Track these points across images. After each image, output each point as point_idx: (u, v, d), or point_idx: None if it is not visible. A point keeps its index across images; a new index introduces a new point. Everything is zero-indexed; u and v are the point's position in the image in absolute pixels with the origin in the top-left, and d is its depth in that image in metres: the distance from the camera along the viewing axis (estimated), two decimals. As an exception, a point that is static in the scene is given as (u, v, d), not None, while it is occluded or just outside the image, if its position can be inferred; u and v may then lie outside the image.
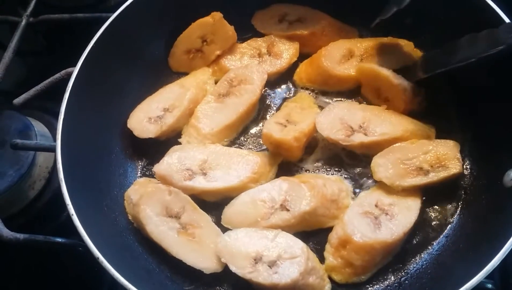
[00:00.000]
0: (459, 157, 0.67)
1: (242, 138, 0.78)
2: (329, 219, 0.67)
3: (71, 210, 0.60)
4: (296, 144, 0.70)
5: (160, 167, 0.71)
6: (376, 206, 0.66)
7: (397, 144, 0.69)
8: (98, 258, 0.57)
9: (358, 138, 0.70)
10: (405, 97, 0.72)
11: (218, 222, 0.69)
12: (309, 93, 0.80)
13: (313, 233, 0.68)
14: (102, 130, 0.75)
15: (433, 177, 0.66)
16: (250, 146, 0.77)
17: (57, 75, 0.80)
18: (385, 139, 0.70)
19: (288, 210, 0.66)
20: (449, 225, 0.67)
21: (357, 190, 0.71)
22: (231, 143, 0.77)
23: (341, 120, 0.71)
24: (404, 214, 0.64)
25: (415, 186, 0.66)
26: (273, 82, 0.81)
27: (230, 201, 0.70)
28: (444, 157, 0.67)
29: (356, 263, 0.62)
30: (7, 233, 0.70)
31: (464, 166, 0.70)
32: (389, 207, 0.65)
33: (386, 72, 0.73)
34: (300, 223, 0.66)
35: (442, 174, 0.66)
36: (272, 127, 0.71)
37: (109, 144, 0.76)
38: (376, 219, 0.64)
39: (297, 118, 0.73)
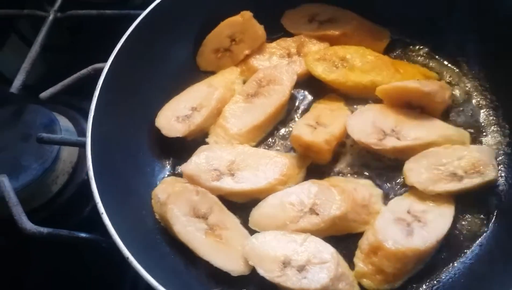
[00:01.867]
0: (494, 164, 0.66)
1: (270, 139, 0.77)
2: (360, 224, 0.66)
3: (101, 209, 0.59)
4: (327, 147, 0.69)
5: (188, 167, 0.70)
6: (408, 212, 0.64)
7: (430, 149, 0.67)
8: (127, 258, 0.56)
9: (391, 142, 0.68)
10: (439, 99, 0.70)
11: (245, 224, 0.68)
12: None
13: (342, 238, 0.66)
14: (130, 129, 0.74)
15: (467, 183, 0.64)
16: (278, 148, 0.76)
17: (84, 71, 0.80)
18: (418, 143, 0.68)
19: (317, 214, 0.65)
20: (483, 234, 0.66)
21: (388, 196, 0.69)
22: (259, 144, 0.76)
23: (373, 124, 0.70)
24: (437, 222, 0.63)
25: (449, 192, 0.65)
26: (302, 82, 0.80)
27: (257, 202, 0.69)
28: (479, 163, 0.65)
29: (387, 270, 0.61)
30: (31, 226, 0.70)
31: (499, 173, 0.69)
32: (422, 214, 0.64)
33: (413, 85, 0.70)
34: (330, 228, 0.65)
35: (476, 181, 0.65)
36: (302, 129, 0.70)
37: (137, 142, 0.75)
38: (409, 226, 0.63)
39: (327, 120, 0.72)
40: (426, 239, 0.61)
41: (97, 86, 0.69)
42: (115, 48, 0.72)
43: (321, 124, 0.71)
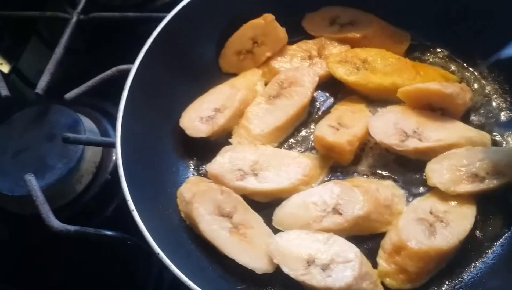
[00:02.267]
0: None
1: (291, 140, 0.78)
2: (383, 224, 0.67)
3: (131, 206, 0.61)
4: (349, 147, 0.70)
5: (212, 167, 0.72)
6: (430, 213, 0.65)
7: (452, 150, 0.68)
8: (158, 253, 0.58)
9: (413, 144, 0.69)
10: (460, 101, 0.71)
11: (268, 223, 0.70)
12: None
13: (365, 238, 0.68)
14: (156, 129, 0.76)
15: (488, 184, 0.65)
16: (300, 148, 0.77)
17: (109, 72, 0.82)
18: (440, 145, 0.69)
19: (340, 214, 0.66)
20: (505, 234, 0.66)
21: (409, 196, 0.70)
22: (281, 145, 0.78)
23: (395, 125, 0.71)
24: (459, 222, 0.64)
25: (470, 192, 0.65)
26: (323, 84, 0.81)
27: (280, 202, 0.70)
28: (501, 164, 0.66)
29: (410, 269, 0.62)
30: (58, 224, 0.72)
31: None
32: (444, 214, 0.65)
33: (434, 86, 0.71)
34: (353, 228, 0.66)
35: (498, 182, 0.65)
36: (325, 130, 0.72)
37: (162, 143, 0.77)
38: (431, 226, 0.64)
39: (349, 121, 0.73)
40: (448, 239, 0.62)
41: (125, 87, 0.71)
42: (142, 50, 0.74)
43: (343, 126, 0.72)
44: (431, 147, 0.69)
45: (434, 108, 0.73)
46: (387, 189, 0.69)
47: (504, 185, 0.66)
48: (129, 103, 0.70)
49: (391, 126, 0.71)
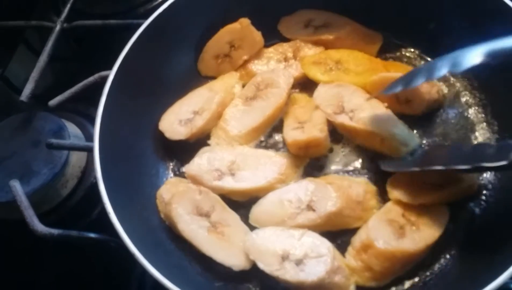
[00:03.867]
0: None
1: (269, 139, 0.80)
2: (355, 220, 0.69)
3: (109, 208, 0.63)
4: (322, 134, 0.72)
5: (190, 168, 0.74)
6: (403, 216, 0.67)
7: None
8: (134, 254, 0.60)
9: (341, 119, 0.74)
10: (424, 90, 0.74)
11: (246, 221, 0.71)
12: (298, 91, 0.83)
13: (338, 233, 0.69)
14: (135, 132, 0.78)
15: (448, 191, 0.67)
16: (277, 147, 0.79)
17: (91, 78, 0.84)
18: (362, 129, 0.72)
19: (314, 210, 0.68)
20: (473, 226, 0.68)
21: (382, 192, 0.72)
22: (258, 145, 0.80)
23: (337, 98, 0.74)
24: (430, 227, 0.65)
25: (432, 201, 0.67)
26: (299, 85, 0.83)
27: (257, 200, 0.72)
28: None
29: (375, 268, 0.64)
30: (42, 228, 0.74)
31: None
32: (416, 218, 0.66)
33: (398, 74, 0.72)
34: (326, 223, 0.68)
35: (456, 188, 0.67)
36: (292, 133, 0.74)
37: (141, 145, 0.79)
38: (401, 228, 0.65)
39: (306, 116, 0.76)
40: (416, 243, 0.64)
41: (103, 92, 0.73)
42: (120, 56, 0.76)
43: (304, 122, 0.75)
44: (354, 128, 0.73)
45: (400, 100, 0.75)
46: (359, 186, 0.71)
47: (465, 191, 0.68)
48: (108, 108, 0.72)
49: (334, 98, 0.75)
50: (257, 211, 0.71)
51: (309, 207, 0.68)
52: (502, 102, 0.74)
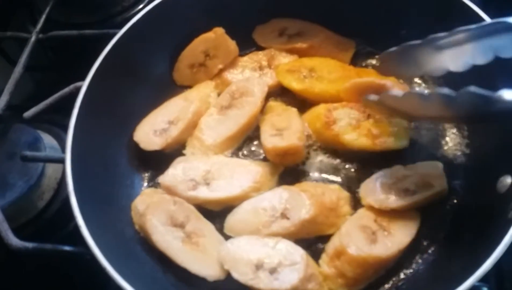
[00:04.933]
0: (442, 175, 0.69)
1: (244, 148, 0.80)
2: (329, 227, 0.69)
3: (80, 221, 0.62)
4: (301, 142, 0.73)
5: (165, 178, 0.74)
6: (375, 221, 0.67)
7: (384, 169, 0.71)
8: (105, 268, 0.59)
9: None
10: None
11: (221, 231, 0.71)
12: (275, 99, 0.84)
13: (313, 240, 0.70)
14: (110, 143, 0.78)
15: (419, 197, 0.68)
16: (252, 155, 0.80)
17: (66, 89, 0.84)
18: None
19: (288, 218, 0.68)
20: (444, 231, 0.69)
21: (355, 198, 0.73)
22: (234, 154, 0.80)
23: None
24: (401, 232, 0.66)
25: (403, 207, 0.67)
26: (273, 93, 0.84)
27: (232, 209, 0.72)
28: (428, 177, 0.69)
29: (348, 274, 0.64)
30: (16, 242, 0.73)
31: (459, 174, 0.73)
32: (388, 223, 0.67)
33: (369, 79, 0.76)
34: (300, 231, 0.68)
35: (427, 193, 0.68)
36: (271, 139, 0.74)
37: (116, 156, 0.78)
38: (373, 234, 0.66)
39: (283, 123, 0.76)
40: (388, 248, 0.64)
41: (76, 104, 0.73)
42: (93, 67, 0.76)
43: (282, 129, 0.75)
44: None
45: None
46: (332, 193, 0.71)
47: (435, 196, 0.69)
48: (81, 119, 0.72)
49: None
50: (232, 220, 0.71)
51: (283, 215, 0.69)
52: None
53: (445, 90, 0.55)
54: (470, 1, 0.73)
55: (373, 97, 0.67)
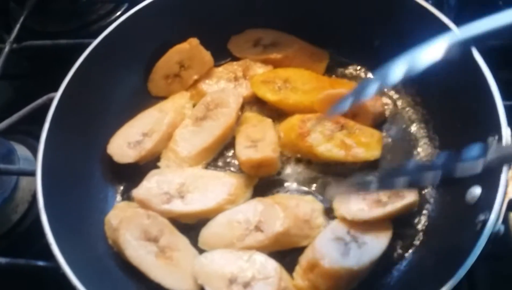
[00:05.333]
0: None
1: (219, 160, 0.80)
2: (303, 238, 0.69)
3: (50, 239, 0.62)
4: (275, 154, 0.74)
5: (138, 192, 0.73)
6: (348, 233, 0.68)
7: None
8: (75, 285, 0.59)
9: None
10: (369, 103, 0.76)
11: (196, 244, 0.71)
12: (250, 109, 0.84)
13: (287, 253, 0.70)
14: (83, 156, 0.77)
15: (390, 208, 0.68)
16: (228, 167, 0.80)
17: (39, 101, 0.82)
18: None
19: (262, 231, 0.69)
20: (416, 241, 0.70)
21: (330, 210, 0.73)
22: (209, 165, 0.80)
23: None
24: (374, 244, 0.66)
25: (375, 218, 0.68)
26: (249, 104, 0.84)
27: (207, 222, 0.72)
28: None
29: (321, 287, 0.64)
30: (-11, 257, 0.72)
31: (430, 185, 0.73)
32: (361, 235, 0.67)
33: (340, 90, 0.76)
34: (274, 244, 0.68)
35: (399, 204, 0.68)
36: (246, 151, 0.74)
37: (89, 169, 0.77)
38: (346, 245, 0.66)
39: (258, 134, 0.76)
40: (360, 260, 0.65)
41: (47, 116, 0.72)
42: (65, 79, 0.75)
43: (256, 141, 0.75)
44: None
45: (346, 114, 0.76)
46: (306, 204, 0.71)
47: (406, 207, 0.69)
48: (54, 132, 0.71)
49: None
50: (206, 233, 0.71)
51: (257, 228, 0.69)
52: (442, 118, 0.76)
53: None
54: (442, 13, 0.74)
55: None
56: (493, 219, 0.57)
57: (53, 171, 0.69)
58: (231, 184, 0.74)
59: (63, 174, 0.72)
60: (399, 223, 0.70)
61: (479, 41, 0.52)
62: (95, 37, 0.79)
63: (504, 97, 0.70)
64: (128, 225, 0.70)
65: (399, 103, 0.82)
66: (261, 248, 0.68)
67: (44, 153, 0.69)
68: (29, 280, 0.82)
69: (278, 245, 0.69)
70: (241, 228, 0.69)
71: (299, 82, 0.80)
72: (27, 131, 0.96)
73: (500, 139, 0.62)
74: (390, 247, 0.68)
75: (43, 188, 0.66)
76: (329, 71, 0.85)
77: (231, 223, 0.70)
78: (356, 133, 0.75)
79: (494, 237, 0.58)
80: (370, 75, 0.85)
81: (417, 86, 0.80)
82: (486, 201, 0.60)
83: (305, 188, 0.76)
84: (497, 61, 0.89)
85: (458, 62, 0.69)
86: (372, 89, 0.56)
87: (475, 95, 0.68)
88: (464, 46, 0.48)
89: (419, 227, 0.71)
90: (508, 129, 0.63)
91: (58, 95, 0.74)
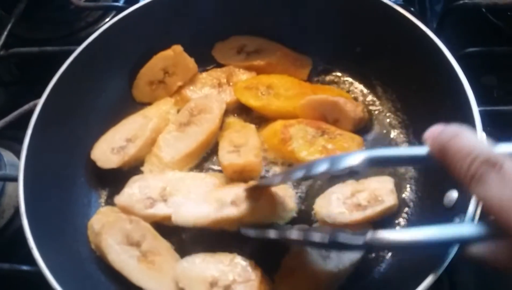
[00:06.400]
0: (393, 190, 0.71)
1: (203, 165, 0.81)
2: (276, 218, 0.71)
3: (31, 243, 0.62)
4: (258, 159, 0.75)
5: (120, 199, 0.73)
6: None
7: (336, 185, 0.73)
8: (56, 290, 0.59)
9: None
10: (349, 108, 0.77)
11: (179, 248, 0.72)
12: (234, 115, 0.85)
13: (269, 256, 0.70)
14: (66, 161, 0.77)
15: (370, 212, 0.69)
16: (211, 172, 0.80)
17: (26, 107, 0.83)
18: None
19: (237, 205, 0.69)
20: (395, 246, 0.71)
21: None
22: (192, 170, 0.80)
23: None
24: None
25: (355, 221, 0.69)
26: (232, 110, 0.85)
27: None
28: (379, 192, 0.71)
29: None
30: (-27, 262, 0.72)
31: (410, 189, 0.75)
32: None
33: (322, 96, 0.78)
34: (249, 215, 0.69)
35: (378, 208, 0.69)
36: (228, 156, 0.75)
37: (73, 174, 0.78)
38: (326, 249, 0.67)
39: (241, 140, 0.78)
40: (339, 263, 0.66)
41: (30, 122, 0.72)
42: (49, 85, 0.75)
43: (239, 146, 0.76)
44: None
45: (328, 119, 0.78)
46: (280, 190, 0.72)
47: (386, 210, 0.70)
48: (36, 137, 0.71)
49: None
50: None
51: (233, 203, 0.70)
52: (422, 123, 0.77)
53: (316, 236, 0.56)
54: (425, 20, 0.75)
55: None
56: (468, 221, 0.59)
57: (36, 176, 0.70)
58: (213, 184, 0.75)
59: (46, 179, 0.72)
60: (379, 226, 0.71)
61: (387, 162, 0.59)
62: (78, 45, 0.79)
63: (486, 102, 0.72)
64: (111, 229, 0.70)
65: (379, 109, 0.83)
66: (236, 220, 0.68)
67: (27, 158, 0.69)
68: (14, 285, 0.82)
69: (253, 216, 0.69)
70: (217, 204, 0.70)
71: (282, 88, 0.81)
72: (13, 137, 0.96)
73: None
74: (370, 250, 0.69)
75: (25, 193, 0.67)
76: (312, 77, 0.86)
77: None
78: (337, 138, 0.76)
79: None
80: (351, 80, 0.87)
81: (397, 93, 0.82)
82: (462, 205, 0.61)
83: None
84: (480, 66, 0.91)
85: (436, 69, 0.72)
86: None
87: (453, 101, 0.69)
88: (374, 162, 0.52)
89: (402, 223, 0.72)
90: (483, 134, 0.64)
91: (41, 100, 0.74)
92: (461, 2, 0.88)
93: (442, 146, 0.48)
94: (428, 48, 0.72)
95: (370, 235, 0.50)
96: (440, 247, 0.55)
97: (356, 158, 0.52)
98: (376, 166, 0.61)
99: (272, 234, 0.63)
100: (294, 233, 0.59)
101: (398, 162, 0.61)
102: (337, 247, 0.57)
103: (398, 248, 0.63)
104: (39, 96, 0.80)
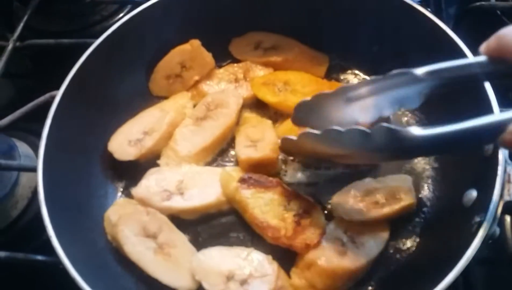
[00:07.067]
0: (411, 189, 0.71)
1: (219, 159, 0.81)
2: None
3: (50, 232, 0.62)
4: (275, 155, 0.75)
5: (138, 191, 0.74)
6: (345, 233, 0.69)
7: (356, 182, 0.72)
8: (75, 279, 0.59)
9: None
10: None
11: (195, 241, 0.72)
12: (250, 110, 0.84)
13: (285, 251, 0.70)
14: (84, 153, 0.78)
15: (388, 210, 0.69)
16: (228, 166, 0.80)
17: (42, 98, 0.83)
18: None
19: None
20: (413, 243, 0.71)
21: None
22: (208, 164, 0.80)
23: None
24: (370, 244, 0.67)
25: (372, 219, 0.69)
26: (249, 105, 0.85)
27: (208, 218, 0.74)
28: (397, 190, 0.71)
29: (318, 286, 0.65)
30: (-13, 250, 0.72)
31: (427, 188, 0.75)
32: (358, 235, 0.68)
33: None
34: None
35: (396, 207, 0.69)
36: (245, 151, 0.75)
37: (90, 166, 0.78)
38: (343, 245, 0.67)
39: (258, 135, 0.78)
40: (356, 260, 0.66)
41: (49, 113, 0.73)
42: (68, 76, 0.76)
43: (256, 141, 0.77)
44: None
45: None
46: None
47: (404, 209, 0.70)
48: (55, 128, 0.72)
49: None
50: None
51: None
52: (440, 122, 0.77)
53: (361, 127, 0.57)
54: (443, 22, 0.75)
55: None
56: (489, 220, 0.59)
57: (54, 167, 0.70)
58: (229, 178, 0.75)
59: (64, 170, 0.73)
60: (396, 225, 0.71)
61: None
62: (98, 37, 0.80)
63: (507, 104, 0.72)
64: (127, 221, 0.70)
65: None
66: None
67: (46, 148, 0.70)
68: (28, 275, 0.82)
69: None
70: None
71: (299, 84, 0.81)
72: (28, 129, 0.97)
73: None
74: (387, 248, 0.69)
75: (43, 183, 0.67)
76: (329, 74, 0.87)
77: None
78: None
79: (490, 239, 0.59)
80: (367, 78, 0.86)
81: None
82: (482, 204, 0.61)
83: (302, 189, 0.76)
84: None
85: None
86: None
87: (473, 101, 0.69)
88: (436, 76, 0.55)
89: (416, 229, 0.72)
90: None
91: (60, 92, 0.75)
92: (477, 4, 0.88)
93: (501, 40, 0.50)
94: (448, 47, 0.72)
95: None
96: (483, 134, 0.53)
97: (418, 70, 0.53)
98: (438, 81, 0.59)
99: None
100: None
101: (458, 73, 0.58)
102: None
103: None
104: (52, 88, 0.80)
